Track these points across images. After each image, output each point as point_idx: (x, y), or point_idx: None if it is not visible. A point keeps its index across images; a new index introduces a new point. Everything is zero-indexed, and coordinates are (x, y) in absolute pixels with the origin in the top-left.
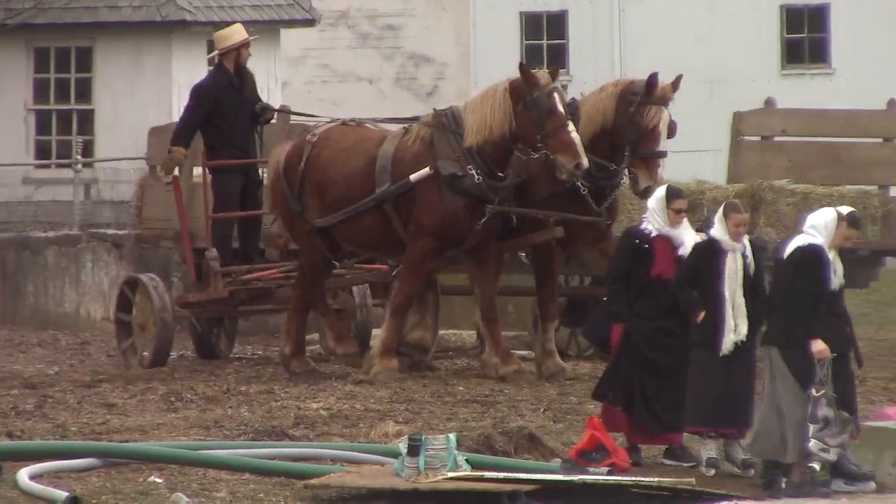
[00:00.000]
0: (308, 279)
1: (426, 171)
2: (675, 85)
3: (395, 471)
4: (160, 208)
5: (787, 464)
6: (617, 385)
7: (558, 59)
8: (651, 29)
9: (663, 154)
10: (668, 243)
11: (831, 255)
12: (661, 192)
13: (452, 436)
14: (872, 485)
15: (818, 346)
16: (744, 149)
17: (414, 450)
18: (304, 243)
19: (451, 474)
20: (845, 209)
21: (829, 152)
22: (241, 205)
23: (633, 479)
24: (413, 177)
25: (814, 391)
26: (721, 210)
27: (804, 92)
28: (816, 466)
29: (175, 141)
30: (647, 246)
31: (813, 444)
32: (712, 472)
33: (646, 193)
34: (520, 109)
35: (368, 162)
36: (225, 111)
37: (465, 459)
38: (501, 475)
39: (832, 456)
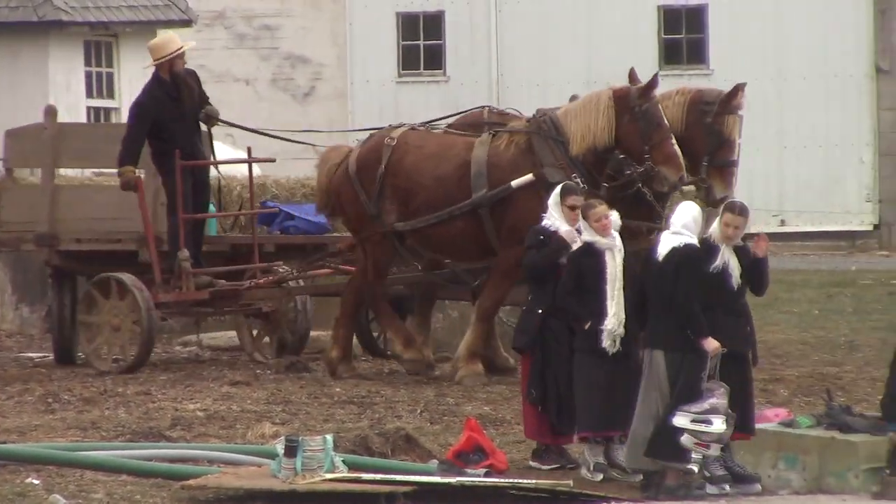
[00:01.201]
0: (370, 282)
1: (529, 177)
2: (743, 91)
3: (272, 472)
4: (19, 211)
5: (663, 469)
6: (536, 384)
7: (435, 59)
8: (529, 30)
9: (737, 163)
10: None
11: (727, 253)
12: (557, 188)
13: (329, 437)
14: (758, 486)
15: (710, 344)
16: None
17: (291, 451)
18: (373, 246)
19: (328, 476)
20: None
21: None
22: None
23: (511, 480)
24: (515, 183)
25: (707, 384)
26: (580, 211)
27: None
28: (695, 468)
29: (123, 161)
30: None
31: (685, 439)
32: (600, 476)
33: (721, 202)
34: (626, 120)
35: (460, 166)
36: (166, 123)
37: (342, 461)
38: (378, 476)
39: (712, 451)
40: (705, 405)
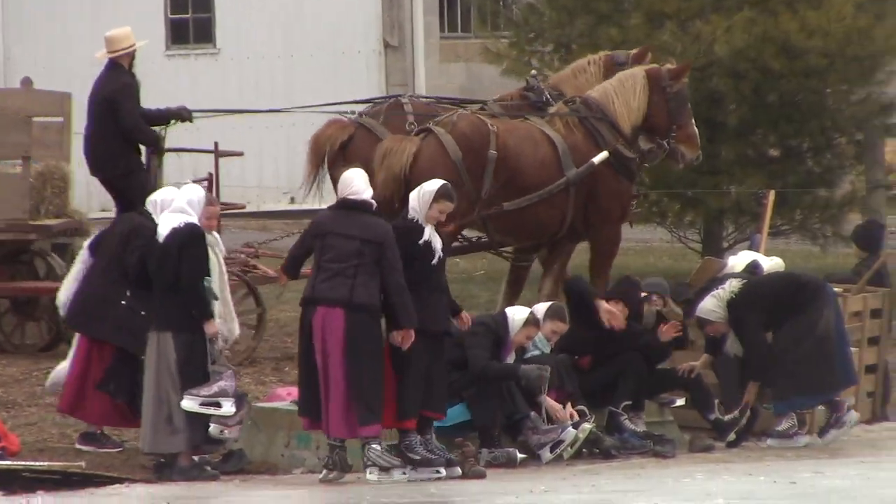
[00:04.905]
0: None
1: (605, 154)
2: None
3: None
4: None
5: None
6: (117, 376)
7: None
8: (36, 8)
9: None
10: None
11: (428, 231)
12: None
13: None
14: (443, 471)
15: (211, 327)
16: None
17: None
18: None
19: None
20: (436, 184)
21: None
22: None
23: (24, 463)
24: (596, 159)
25: (214, 367)
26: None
27: (191, 73)
28: (213, 447)
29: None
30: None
31: (213, 428)
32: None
33: (693, 162)
34: (655, 99)
35: (554, 149)
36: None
37: None
38: None
39: (233, 434)
40: (214, 388)
